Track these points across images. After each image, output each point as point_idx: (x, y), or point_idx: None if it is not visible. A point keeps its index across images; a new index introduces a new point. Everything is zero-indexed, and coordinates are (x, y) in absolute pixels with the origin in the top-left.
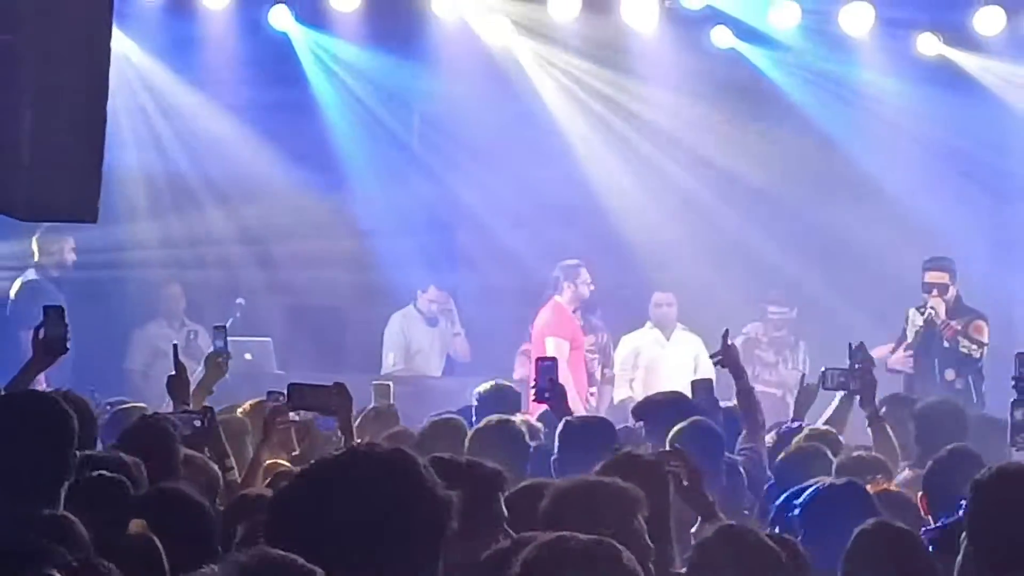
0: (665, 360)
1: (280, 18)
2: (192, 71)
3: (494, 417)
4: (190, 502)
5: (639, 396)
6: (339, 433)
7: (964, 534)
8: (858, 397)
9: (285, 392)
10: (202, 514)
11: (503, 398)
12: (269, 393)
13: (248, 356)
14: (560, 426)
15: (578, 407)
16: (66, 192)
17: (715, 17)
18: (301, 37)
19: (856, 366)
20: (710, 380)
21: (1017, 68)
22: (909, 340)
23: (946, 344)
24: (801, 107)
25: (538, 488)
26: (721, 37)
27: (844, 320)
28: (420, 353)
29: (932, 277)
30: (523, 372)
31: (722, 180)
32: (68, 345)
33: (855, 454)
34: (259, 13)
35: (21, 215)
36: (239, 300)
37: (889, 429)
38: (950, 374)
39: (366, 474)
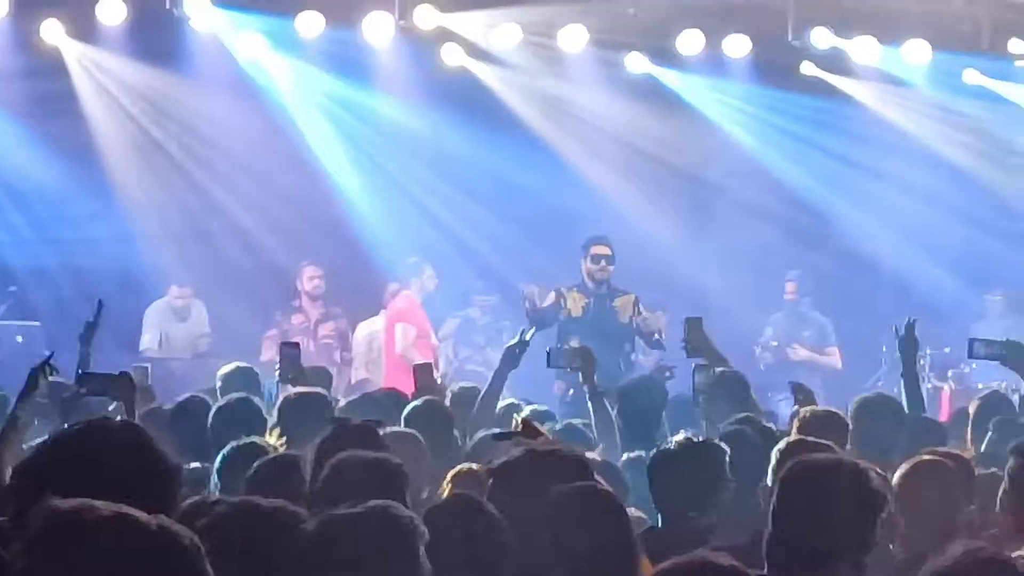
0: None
1: (51, 31)
2: None
3: (234, 395)
4: None
5: (374, 377)
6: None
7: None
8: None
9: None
10: None
11: (244, 378)
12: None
13: (19, 339)
14: (279, 400)
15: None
16: None
17: (446, 36)
18: (71, 49)
19: (576, 346)
20: (430, 364)
21: (715, 84)
22: (575, 315)
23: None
24: (524, 118)
25: (290, 459)
26: (450, 55)
27: None
28: (173, 341)
29: (600, 250)
30: (269, 355)
31: (445, 183)
32: None
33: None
34: (32, 26)
35: None
36: (11, 288)
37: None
38: (627, 347)
39: (101, 445)
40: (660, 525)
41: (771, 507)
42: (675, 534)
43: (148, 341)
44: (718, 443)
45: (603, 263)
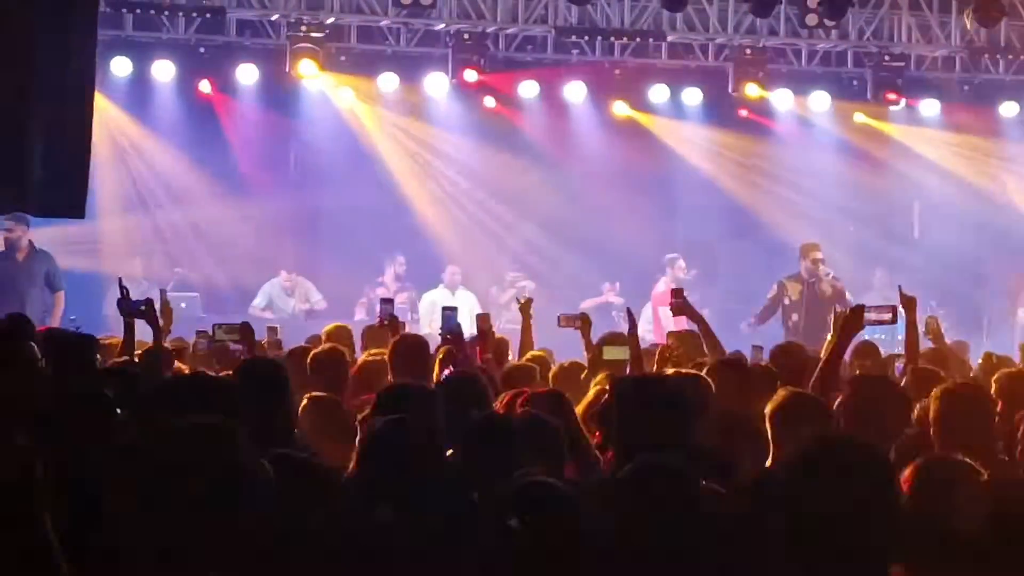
0: None
1: (205, 87)
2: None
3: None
4: None
5: (436, 333)
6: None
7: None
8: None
9: (210, 330)
10: None
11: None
12: (198, 332)
13: (183, 305)
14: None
15: None
16: (65, 198)
17: (484, 90)
18: (219, 99)
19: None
20: (488, 314)
21: (678, 125)
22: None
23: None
24: (542, 148)
25: None
26: (487, 103)
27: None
28: (281, 309)
29: (817, 253)
30: (361, 315)
31: (486, 195)
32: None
33: None
34: (192, 84)
35: (35, 213)
36: (177, 269)
37: None
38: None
39: None
40: None
41: None
42: None
43: (257, 302)
44: None
45: (818, 263)
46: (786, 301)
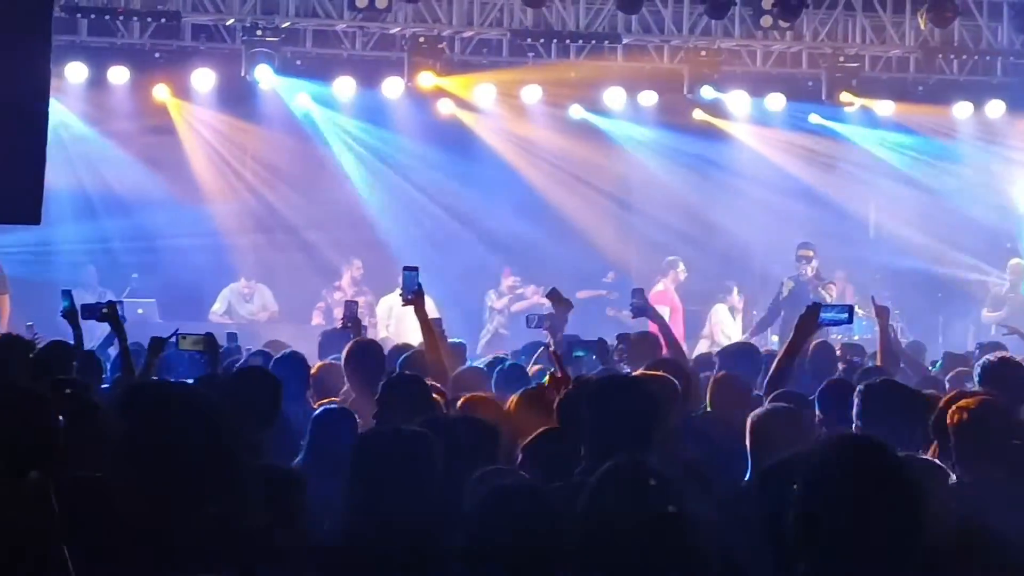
0: (408, 313)
1: (161, 93)
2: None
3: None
4: None
5: (393, 335)
6: None
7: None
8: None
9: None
10: None
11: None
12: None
13: (140, 311)
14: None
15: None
16: (20, 203)
17: (441, 93)
18: (175, 105)
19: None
20: (439, 319)
21: (633, 128)
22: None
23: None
24: (496, 151)
25: None
26: (443, 107)
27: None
28: (238, 314)
29: (804, 252)
30: (317, 320)
31: (439, 199)
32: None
33: None
34: (147, 89)
35: None
36: (134, 275)
37: None
38: None
39: None
40: None
41: None
42: None
43: (216, 308)
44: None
45: (803, 261)
46: (780, 298)
